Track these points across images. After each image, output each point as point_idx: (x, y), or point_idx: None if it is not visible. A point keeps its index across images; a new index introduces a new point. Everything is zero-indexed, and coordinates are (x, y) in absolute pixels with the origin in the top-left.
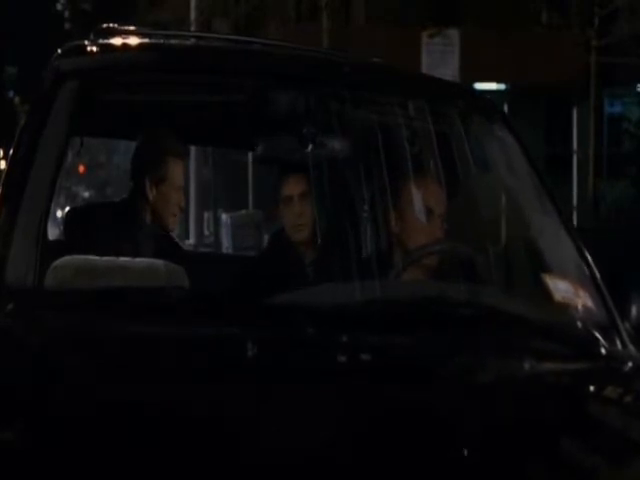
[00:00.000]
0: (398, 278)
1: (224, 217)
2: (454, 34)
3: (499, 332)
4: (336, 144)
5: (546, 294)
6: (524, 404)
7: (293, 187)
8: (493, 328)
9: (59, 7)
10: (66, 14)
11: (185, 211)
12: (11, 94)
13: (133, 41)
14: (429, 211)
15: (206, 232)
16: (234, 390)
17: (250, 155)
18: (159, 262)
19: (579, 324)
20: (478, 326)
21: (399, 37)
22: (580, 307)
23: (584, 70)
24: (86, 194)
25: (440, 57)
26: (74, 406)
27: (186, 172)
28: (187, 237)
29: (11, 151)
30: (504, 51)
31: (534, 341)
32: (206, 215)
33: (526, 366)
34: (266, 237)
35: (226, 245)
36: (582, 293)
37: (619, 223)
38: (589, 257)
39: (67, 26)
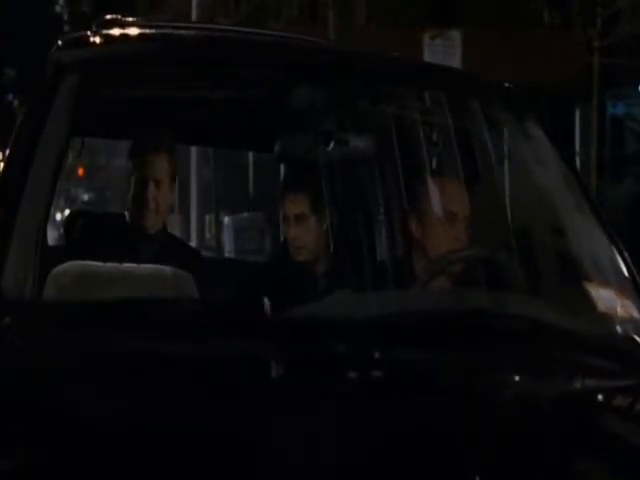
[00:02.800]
0: (426, 288)
1: (226, 220)
2: (455, 35)
3: (543, 347)
4: (358, 143)
5: (589, 304)
6: (572, 426)
7: (290, 207)
8: (537, 343)
9: (58, 9)
10: (65, 16)
11: (186, 213)
12: (10, 97)
13: (139, 31)
14: (452, 214)
15: (207, 235)
16: (255, 415)
17: (251, 156)
18: (166, 268)
19: (627, 337)
20: (520, 341)
21: (400, 38)
22: (627, 318)
23: (586, 71)
24: (85, 197)
25: (442, 58)
26: (75, 435)
27: (172, 167)
28: (188, 240)
29: (8, 150)
30: (505, 52)
31: (581, 357)
32: (207, 217)
33: (573, 384)
34: (268, 240)
35: (228, 248)
36: (626, 302)
37: (623, 223)
38: (629, 260)
39: (66, 28)
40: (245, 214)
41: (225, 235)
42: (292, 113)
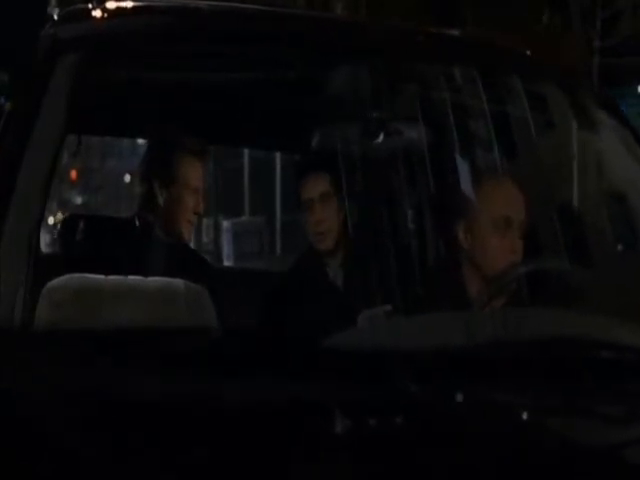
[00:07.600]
0: (486, 309)
1: (225, 224)
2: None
3: None
4: (411, 132)
5: None
6: None
7: (312, 188)
8: None
9: (50, 10)
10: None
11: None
12: (2, 100)
13: (148, 4)
14: (507, 220)
15: (205, 239)
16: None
17: (247, 156)
18: (177, 282)
19: None
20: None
21: None
22: None
23: (586, 71)
24: (79, 199)
25: None
26: None
27: (205, 173)
28: None
29: None
30: None
31: None
32: (205, 221)
33: None
34: (267, 244)
35: (227, 252)
36: None
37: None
38: None
39: None
40: (244, 218)
41: (224, 239)
42: (336, 99)
